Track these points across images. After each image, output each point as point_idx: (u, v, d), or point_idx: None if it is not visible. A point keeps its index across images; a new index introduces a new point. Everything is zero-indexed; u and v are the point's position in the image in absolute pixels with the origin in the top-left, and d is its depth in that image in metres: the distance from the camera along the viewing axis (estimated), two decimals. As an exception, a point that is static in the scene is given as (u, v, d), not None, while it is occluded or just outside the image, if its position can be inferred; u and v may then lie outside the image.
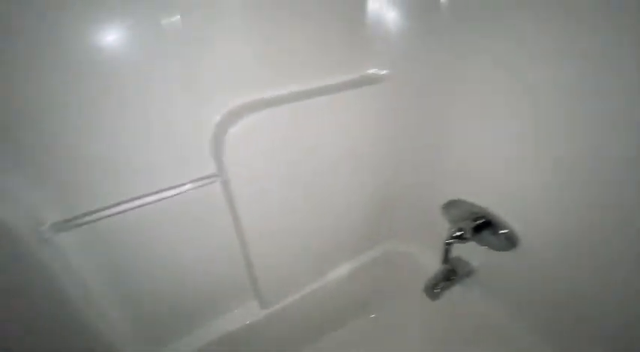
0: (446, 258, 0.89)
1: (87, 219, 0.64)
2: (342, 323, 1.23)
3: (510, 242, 0.80)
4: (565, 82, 0.60)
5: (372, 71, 0.88)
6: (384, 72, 0.88)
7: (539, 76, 0.63)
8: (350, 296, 1.18)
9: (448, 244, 0.86)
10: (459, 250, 0.95)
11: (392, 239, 1.19)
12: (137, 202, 0.67)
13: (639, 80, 0.51)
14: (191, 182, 0.72)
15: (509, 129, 0.72)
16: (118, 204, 0.67)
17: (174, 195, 0.71)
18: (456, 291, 0.97)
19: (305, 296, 1.05)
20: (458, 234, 0.85)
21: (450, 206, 0.94)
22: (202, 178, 0.73)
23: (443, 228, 0.91)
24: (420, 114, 0.92)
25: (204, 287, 0.91)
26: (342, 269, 1.12)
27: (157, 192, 0.70)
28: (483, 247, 0.88)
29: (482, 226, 0.85)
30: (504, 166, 0.77)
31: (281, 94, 0.78)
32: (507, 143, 0.74)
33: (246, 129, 0.71)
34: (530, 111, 0.67)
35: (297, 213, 0.90)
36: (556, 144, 0.65)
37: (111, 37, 0.57)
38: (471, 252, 0.93)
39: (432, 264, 1.00)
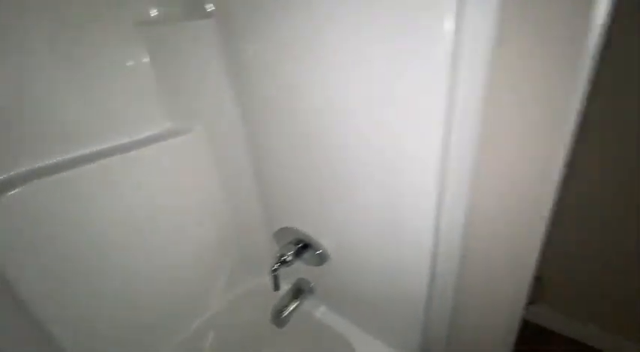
0: (276, 284, 0.95)
1: None
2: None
3: (323, 258, 0.91)
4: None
5: (172, 124, 0.91)
6: (194, 125, 0.92)
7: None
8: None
9: (275, 271, 0.92)
10: (307, 272, 1.03)
11: (256, 276, 1.20)
12: None
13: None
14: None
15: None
16: None
17: None
18: (304, 311, 1.04)
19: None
20: (282, 259, 0.93)
21: (279, 234, 1.01)
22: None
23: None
24: (234, 158, 0.98)
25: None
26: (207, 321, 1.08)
27: None
28: (311, 266, 0.97)
29: (304, 248, 0.95)
30: (312, 195, 0.86)
31: (61, 160, 0.75)
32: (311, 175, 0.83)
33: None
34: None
35: (118, 287, 0.84)
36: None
37: None
38: (308, 272, 1.01)
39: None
